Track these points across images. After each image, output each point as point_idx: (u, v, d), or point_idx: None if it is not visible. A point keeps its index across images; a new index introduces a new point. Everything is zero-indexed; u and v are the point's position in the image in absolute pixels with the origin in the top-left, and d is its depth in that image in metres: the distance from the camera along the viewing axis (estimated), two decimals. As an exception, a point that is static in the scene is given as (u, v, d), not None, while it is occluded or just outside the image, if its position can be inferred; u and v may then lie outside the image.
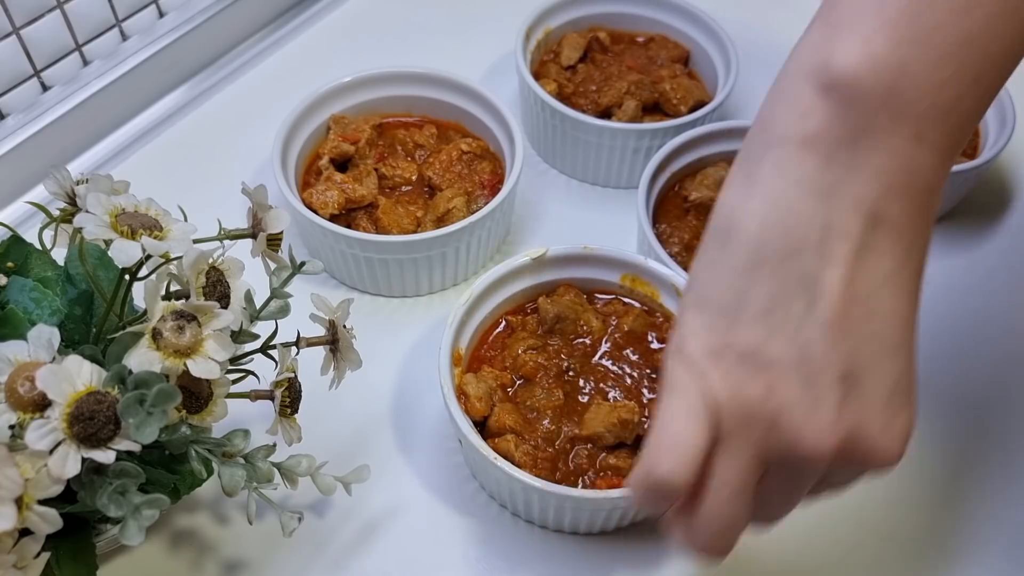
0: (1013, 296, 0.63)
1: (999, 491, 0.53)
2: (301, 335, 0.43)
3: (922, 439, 0.55)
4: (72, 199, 0.41)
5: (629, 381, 0.53)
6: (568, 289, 0.56)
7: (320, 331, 0.43)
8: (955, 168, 0.62)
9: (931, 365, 0.59)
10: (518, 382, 0.53)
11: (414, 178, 0.63)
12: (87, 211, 0.36)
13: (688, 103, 0.66)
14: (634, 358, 0.54)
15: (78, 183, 0.41)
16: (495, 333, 0.55)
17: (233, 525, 0.50)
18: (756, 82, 0.73)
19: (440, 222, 0.59)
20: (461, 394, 0.50)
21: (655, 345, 0.54)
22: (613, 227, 0.65)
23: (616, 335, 0.54)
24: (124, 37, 0.70)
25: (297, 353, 0.42)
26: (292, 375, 0.41)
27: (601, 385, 0.52)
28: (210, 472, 0.40)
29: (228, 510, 0.51)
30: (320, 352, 0.43)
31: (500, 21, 0.76)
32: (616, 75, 0.68)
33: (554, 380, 0.52)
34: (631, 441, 0.50)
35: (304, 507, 0.50)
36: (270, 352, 0.43)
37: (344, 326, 0.44)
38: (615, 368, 0.53)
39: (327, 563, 0.50)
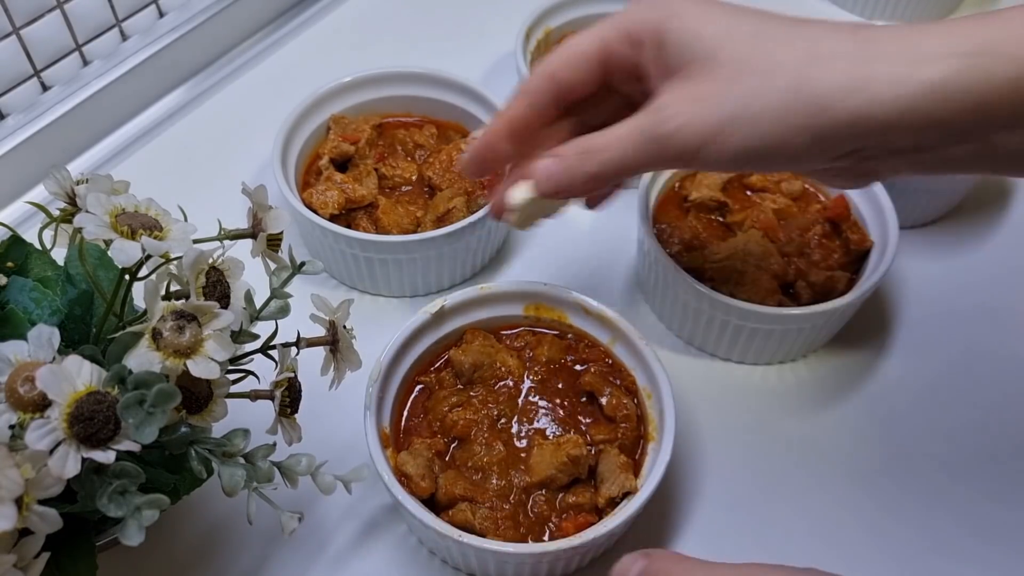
0: (1013, 296, 0.63)
1: (998, 490, 0.53)
2: (301, 335, 0.43)
3: (920, 438, 0.55)
4: (72, 199, 0.41)
5: (562, 412, 0.51)
6: (475, 334, 0.53)
7: (320, 331, 0.43)
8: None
9: (931, 365, 0.59)
10: (452, 445, 0.50)
11: (414, 178, 0.63)
12: (87, 211, 0.36)
13: (688, 103, 0.66)
14: (560, 386, 0.52)
15: (78, 183, 0.41)
16: (411, 399, 0.52)
17: (233, 525, 0.50)
18: (756, 82, 0.73)
19: (440, 222, 0.59)
20: (402, 476, 0.47)
21: (578, 367, 0.53)
22: (613, 227, 0.65)
23: (536, 367, 0.52)
24: (124, 37, 0.70)
25: (297, 353, 0.42)
26: (292, 375, 0.41)
27: (536, 424, 0.50)
28: (210, 472, 0.40)
29: (228, 510, 0.51)
30: (320, 352, 0.43)
31: (500, 21, 0.76)
32: (616, 75, 0.68)
33: (489, 433, 0.50)
34: (585, 475, 0.48)
35: (304, 507, 0.50)
36: (270, 352, 0.43)
37: (344, 327, 0.44)
38: (544, 402, 0.51)
39: (327, 563, 0.50)
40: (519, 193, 0.43)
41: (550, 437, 0.50)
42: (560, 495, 0.48)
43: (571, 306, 0.53)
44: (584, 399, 0.51)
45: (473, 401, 0.51)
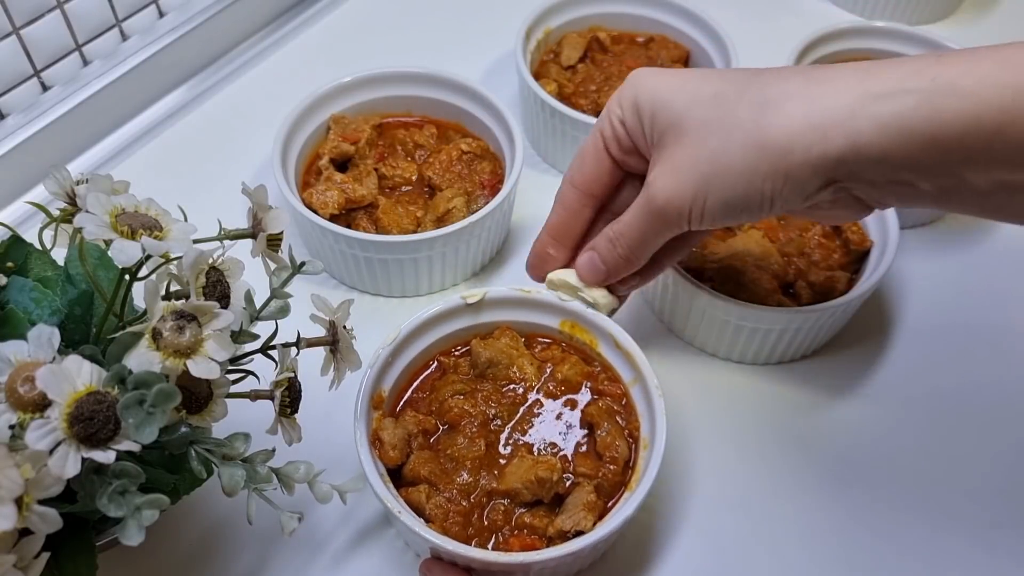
0: (1013, 296, 0.63)
1: (997, 492, 0.53)
2: (301, 335, 0.43)
3: (920, 438, 0.55)
4: (72, 199, 0.41)
5: (556, 434, 0.50)
6: (504, 332, 0.53)
7: (320, 331, 0.43)
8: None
9: (929, 364, 0.59)
10: (442, 428, 0.50)
11: (414, 178, 0.63)
12: (87, 211, 0.36)
13: (688, 103, 0.66)
14: (566, 408, 0.51)
15: (78, 183, 0.41)
16: (425, 374, 0.53)
17: (233, 525, 0.50)
18: (756, 82, 0.73)
19: (440, 222, 0.59)
20: (376, 439, 0.48)
21: (588, 397, 0.51)
22: (613, 227, 0.65)
23: (550, 384, 0.52)
24: (124, 37, 0.70)
25: (297, 353, 0.42)
26: (292, 375, 0.41)
27: (526, 438, 0.50)
28: (210, 472, 0.40)
29: (228, 510, 0.51)
30: (320, 352, 0.43)
31: (500, 21, 0.76)
32: (616, 75, 0.68)
33: (479, 429, 0.49)
34: (548, 500, 0.47)
35: (304, 507, 0.50)
36: (270, 352, 0.43)
37: (344, 327, 0.44)
38: (544, 419, 0.51)
39: (327, 563, 0.50)
40: (559, 275, 0.51)
41: (535, 453, 0.49)
42: (519, 511, 0.47)
43: (603, 334, 0.52)
44: (585, 429, 0.51)
45: (476, 395, 0.51)
